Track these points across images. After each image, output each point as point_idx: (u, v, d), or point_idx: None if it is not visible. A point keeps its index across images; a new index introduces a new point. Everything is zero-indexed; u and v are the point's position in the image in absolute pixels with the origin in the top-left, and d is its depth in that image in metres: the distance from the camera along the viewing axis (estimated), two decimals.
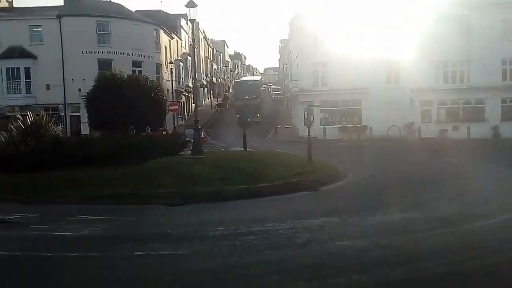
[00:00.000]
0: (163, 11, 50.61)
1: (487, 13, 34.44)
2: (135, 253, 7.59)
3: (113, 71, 25.48)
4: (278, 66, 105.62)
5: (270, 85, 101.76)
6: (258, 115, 45.17)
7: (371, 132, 35.00)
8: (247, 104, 41.90)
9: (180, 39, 52.71)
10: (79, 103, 31.24)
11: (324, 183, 15.00)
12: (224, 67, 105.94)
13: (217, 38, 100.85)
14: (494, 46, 34.08)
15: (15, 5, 43.52)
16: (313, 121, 27.03)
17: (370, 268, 6.51)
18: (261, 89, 55.75)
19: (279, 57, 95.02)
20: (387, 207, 10.90)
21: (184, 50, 53.87)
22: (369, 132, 35.21)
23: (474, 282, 6.08)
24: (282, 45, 79.92)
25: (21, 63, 35.29)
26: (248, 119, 32.32)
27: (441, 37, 34.24)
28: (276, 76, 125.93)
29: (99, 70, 29.82)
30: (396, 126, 34.18)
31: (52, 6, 38.06)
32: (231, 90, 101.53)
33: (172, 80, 42.47)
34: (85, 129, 31.13)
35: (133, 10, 42.73)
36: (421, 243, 7.86)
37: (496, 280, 6.17)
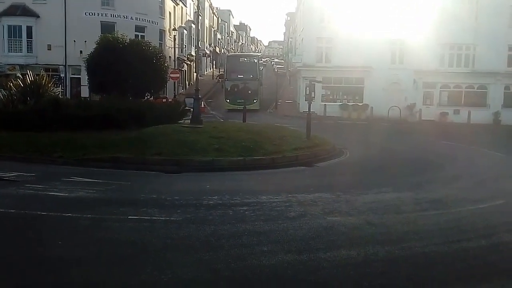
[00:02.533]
0: None
1: None
2: (129, 217, 7.67)
3: (115, 35, 25.23)
4: (283, 39, 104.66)
5: (273, 59, 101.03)
6: (255, 100, 36.99)
7: (372, 111, 34.91)
8: (241, 86, 36.30)
9: (185, 6, 51.95)
10: (79, 65, 31.00)
11: (321, 159, 15.06)
12: (228, 38, 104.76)
13: (222, 7, 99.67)
14: (501, 31, 33.79)
15: None
16: (314, 97, 26.95)
17: (360, 244, 6.59)
18: (261, 68, 42.84)
19: (284, 31, 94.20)
20: (381, 186, 10.97)
21: (188, 18, 53.16)
22: (369, 112, 35.12)
23: (460, 263, 6.17)
24: (289, 18, 79.09)
25: (23, 21, 34.84)
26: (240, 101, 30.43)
27: (450, 19, 33.88)
28: (280, 49, 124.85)
29: (101, 33, 29.45)
30: (397, 107, 34.09)
31: None
32: None
33: (174, 48, 42.06)
34: (85, 92, 31.00)
35: None
36: (412, 223, 7.95)
37: (482, 263, 6.26)
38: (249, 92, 35.53)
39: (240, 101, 33.27)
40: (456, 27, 33.88)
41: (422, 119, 34.02)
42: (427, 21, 33.36)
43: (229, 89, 37.85)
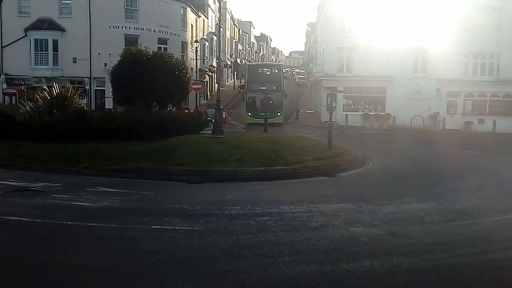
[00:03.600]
0: None
1: None
2: (152, 227, 7.75)
3: (138, 47, 25.64)
4: (303, 50, 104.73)
5: (294, 69, 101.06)
6: (278, 113, 34.09)
7: (394, 121, 34.59)
8: (263, 98, 32.65)
9: (207, 18, 52.59)
10: (104, 78, 31.63)
11: (343, 169, 14.96)
12: (249, 48, 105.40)
13: (243, 18, 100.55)
14: None
15: None
16: (335, 106, 26.95)
17: (383, 255, 6.52)
18: (284, 79, 38.44)
19: (305, 41, 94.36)
20: (404, 197, 10.85)
21: (210, 29, 53.76)
22: (392, 121, 34.81)
23: (486, 275, 6.05)
24: (309, 28, 79.21)
25: (49, 35, 35.74)
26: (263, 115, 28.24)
27: (473, 27, 33.51)
28: (301, 59, 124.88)
29: (125, 46, 30.00)
30: (420, 116, 33.69)
31: None
32: None
33: (196, 59, 42.57)
34: (109, 104, 31.58)
35: None
36: (436, 234, 7.83)
37: (508, 274, 6.13)
38: (272, 103, 32.97)
39: (262, 114, 30.54)
40: (479, 35, 33.46)
41: (446, 128, 33.54)
42: (450, 30, 33.04)
43: (250, 101, 34.80)
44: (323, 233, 7.56)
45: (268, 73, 37.19)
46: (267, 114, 29.14)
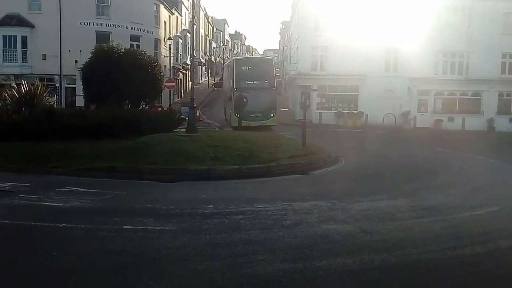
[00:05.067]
0: None
1: (489, 6, 34.37)
2: (124, 227, 7.64)
3: (110, 44, 25.26)
4: (278, 48, 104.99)
5: None
6: (272, 114, 29.60)
7: (367, 119, 35.04)
8: (254, 97, 28.23)
9: (180, 15, 52.17)
10: (75, 75, 30.99)
11: (316, 167, 15.07)
12: (223, 46, 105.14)
13: (218, 16, 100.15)
14: (494, 39, 34.11)
15: None
16: (309, 105, 27.04)
17: (355, 252, 6.59)
18: (276, 74, 33.06)
19: (279, 39, 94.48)
20: (377, 194, 10.99)
21: (183, 27, 53.36)
22: (364, 119, 35.24)
23: (456, 270, 6.18)
24: (283, 27, 79.42)
25: (18, 31, 34.81)
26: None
27: (443, 27, 34.20)
28: (276, 58, 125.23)
29: (96, 42, 29.46)
30: (392, 114, 34.21)
31: None
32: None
33: (170, 57, 42.19)
34: (80, 101, 30.96)
35: None
36: (407, 230, 7.96)
37: (478, 269, 6.27)
38: (264, 103, 28.97)
39: (254, 115, 27.83)
40: (450, 35, 34.17)
41: (417, 126, 34.16)
42: (421, 29, 33.61)
43: (239, 101, 28.18)
44: (297, 231, 7.59)
45: (258, 68, 31.34)
46: (261, 116, 27.42)
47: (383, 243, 7.13)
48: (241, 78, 29.76)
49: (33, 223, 7.77)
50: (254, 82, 29.55)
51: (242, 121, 27.17)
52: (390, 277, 5.88)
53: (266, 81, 30.03)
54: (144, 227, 7.59)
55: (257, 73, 30.30)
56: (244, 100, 27.00)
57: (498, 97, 35.90)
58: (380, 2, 34.60)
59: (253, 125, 26.86)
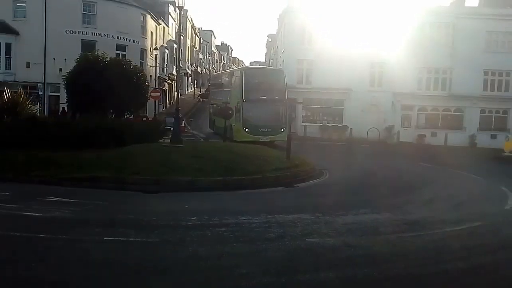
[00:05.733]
0: None
1: (472, 24, 35.11)
2: (104, 238, 7.53)
3: (96, 53, 25.11)
4: (264, 60, 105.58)
5: None
6: (282, 129, 26.66)
7: (351, 133, 35.23)
8: (264, 110, 26.83)
9: (167, 26, 52.21)
10: (59, 83, 30.63)
11: (301, 180, 15.07)
12: (210, 58, 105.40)
13: (204, 27, 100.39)
14: (477, 56, 34.76)
15: None
16: (295, 117, 27.16)
17: (338, 266, 6.59)
18: (286, 88, 28.98)
19: (265, 52, 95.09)
20: (360, 208, 11.02)
21: (170, 37, 53.38)
22: (349, 133, 35.44)
23: (437, 286, 6.20)
24: (270, 39, 79.97)
25: (2, 38, 34.38)
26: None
27: (427, 43, 34.77)
28: None
29: (82, 51, 29.32)
30: (376, 129, 34.49)
31: None
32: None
33: (156, 67, 42.07)
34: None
35: None
36: (390, 245, 7.99)
37: (459, 285, 6.31)
38: (275, 117, 27.23)
39: (263, 129, 26.10)
40: (433, 51, 34.75)
41: (400, 140, 34.48)
42: (406, 45, 34.11)
43: (248, 113, 26.61)
44: (280, 244, 7.56)
45: (268, 79, 29.17)
46: (268, 130, 25.68)
47: (365, 258, 7.13)
48: (251, 89, 27.24)
49: (11, 233, 7.60)
50: (264, 94, 27.23)
51: (250, 135, 25.79)
52: None
53: (277, 94, 27.69)
54: (125, 239, 7.49)
55: (267, 85, 28.04)
56: (230, 111, 26.87)
57: (480, 113, 36.50)
58: (366, 18, 35.06)
59: (261, 140, 24.95)
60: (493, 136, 34.91)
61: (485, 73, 36.11)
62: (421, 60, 34.81)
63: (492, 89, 36.41)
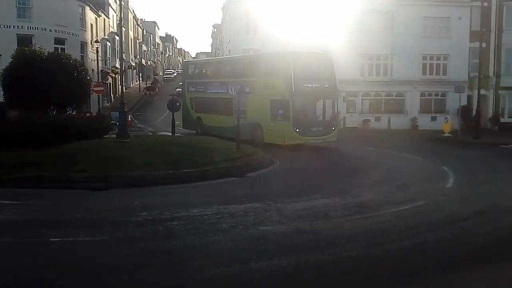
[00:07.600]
0: None
1: (410, 10, 36.23)
2: (51, 239, 7.28)
3: (32, 48, 24.03)
4: (210, 51, 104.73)
5: None
6: (333, 128, 22.68)
7: None
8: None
9: (108, 18, 50.67)
10: None
11: (252, 170, 15.14)
12: (154, 49, 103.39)
13: (147, 18, 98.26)
14: (415, 42, 35.93)
15: None
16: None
17: (291, 252, 6.71)
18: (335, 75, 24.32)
19: (211, 42, 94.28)
20: (311, 193, 11.22)
21: (111, 29, 51.85)
22: None
23: (385, 264, 6.45)
24: (215, 30, 79.24)
25: None
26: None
27: (368, 31, 35.55)
28: None
29: (17, 46, 27.92)
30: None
31: None
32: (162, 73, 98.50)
33: (98, 60, 40.79)
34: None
35: None
36: (340, 228, 8.22)
37: (405, 263, 6.58)
38: (327, 113, 22.42)
39: (315, 129, 21.53)
40: (374, 38, 35.62)
41: (346, 126, 35.31)
42: (348, 33, 34.77)
43: (299, 110, 21.40)
44: (233, 234, 7.60)
45: (316, 66, 23.45)
46: (320, 129, 21.61)
47: (317, 242, 7.30)
48: (302, 79, 21.70)
49: None
50: (316, 84, 22.20)
51: (301, 136, 21.09)
52: (324, 275, 6.02)
53: (327, 84, 22.52)
54: (73, 239, 7.29)
55: (316, 73, 22.78)
56: (177, 104, 26.28)
57: (420, 97, 37.89)
58: (308, 6, 35.43)
59: (312, 141, 21.59)
60: (433, 119, 36.34)
61: (424, 58, 37.45)
62: (363, 47, 35.59)
63: (431, 73, 37.84)
